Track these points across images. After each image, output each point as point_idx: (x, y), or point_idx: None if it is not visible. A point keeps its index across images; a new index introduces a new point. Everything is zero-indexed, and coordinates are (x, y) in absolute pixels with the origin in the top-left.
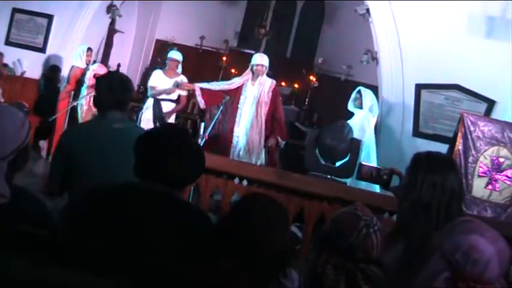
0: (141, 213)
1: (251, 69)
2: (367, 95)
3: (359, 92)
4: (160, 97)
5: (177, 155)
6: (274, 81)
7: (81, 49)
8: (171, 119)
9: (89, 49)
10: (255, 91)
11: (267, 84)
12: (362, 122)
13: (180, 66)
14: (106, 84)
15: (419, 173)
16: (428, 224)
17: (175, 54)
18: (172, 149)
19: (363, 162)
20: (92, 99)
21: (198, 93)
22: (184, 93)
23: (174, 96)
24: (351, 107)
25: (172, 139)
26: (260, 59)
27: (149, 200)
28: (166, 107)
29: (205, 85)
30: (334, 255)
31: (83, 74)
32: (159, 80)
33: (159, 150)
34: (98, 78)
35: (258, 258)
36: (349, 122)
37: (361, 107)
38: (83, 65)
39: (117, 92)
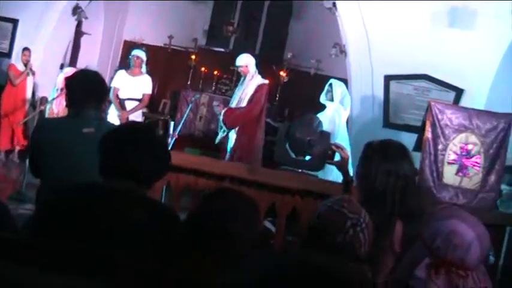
0: (107, 212)
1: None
2: (338, 87)
3: (330, 85)
4: (124, 97)
5: (140, 151)
6: (264, 81)
7: (20, 49)
8: (139, 119)
9: (26, 49)
10: (239, 92)
11: (253, 83)
12: (333, 114)
13: (144, 65)
14: (80, 80)
15: (373, 162)
16: (385, 211)
17: (137, 52)
18: (135, 145)
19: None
20: (60, 102)
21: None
22: (148, 91)
23: (138, 95)
24: (322, 99)
25: (135, 136)
26: (238, 61)
27: (114, 198)
28: (130, 106)
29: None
30: (320, 252)
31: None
32: (122, 80)
33: (122, 147)
34: (70, 76)
35: (229, 251)
36: (320, 114)
37: (332, 100)
38: (18, 65)
39: (91, 87)
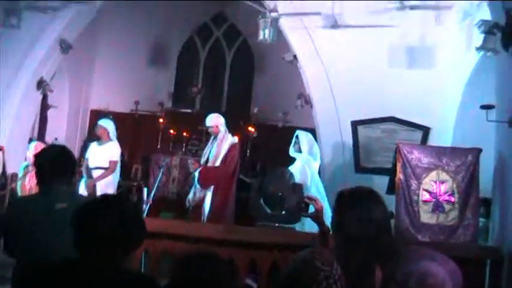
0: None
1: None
2: (304, 138)
3: (297, 136)
4: (92, 166)
5: (114, 222)
6: (234, 140)
7: None
8: (112, 188)
9: None
10: (213, 151)
11: (225, 143)
12: (303, 166)
13: (111, 132)
14: (48, 157)
15: (345, 210)
16: (362, 257)
17: (101, 122)
18: (109, 217)
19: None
20: (31, 178)
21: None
22: (115, 158)
23: (105, 163)
24: (291, 152)
25: (108, 207)
26: (207, 121)
27: (91, 273)
28: (97, 174)
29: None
30: None
31: None
32: (91, 150)
33: (95, 220)
34: (39, 152)
35: None
36: (291, 167)
37: (300, 151)
38: None
39: (60, 162)
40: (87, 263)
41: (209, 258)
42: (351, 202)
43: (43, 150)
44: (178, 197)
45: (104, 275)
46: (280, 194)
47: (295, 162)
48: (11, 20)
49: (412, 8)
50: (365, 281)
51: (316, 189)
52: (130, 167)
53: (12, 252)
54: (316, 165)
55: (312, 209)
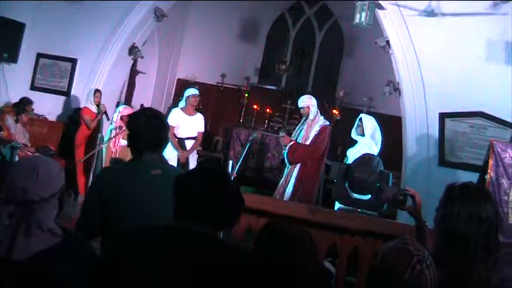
0: (181, 255)
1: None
2: (368, 121)
3: (360, 119)
4: (184, 136)
5: (219, 196)
6: (327, 123)
7: (90, 91)
8: (194, 159)
9: (97, 91)
10: (303, 131)
11: (316, 124)
12: (363, 149)
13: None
14: (143, 122)
15: (455, 205)
16: (467, 256)
17: (195, 91)
18: (213, 190)
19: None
20: (118, 141)
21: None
22: (202, 129)
23: (195, 133)
24: (353, 134)
25: (213, 180)
26: (300, 102)
27: (190, 240)
28: (189, 144)
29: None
30: None
31: (95, 115)
32: (178, 119)
33: (200, 192)
34: (133, 116)
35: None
36: (351, 149)
37: (363, 134)
38: (92, 107)
39: (155, 130)
40: (186, 230)
41: (290, 230)
42: (463, 197)
43: (137, 115)
44: (256, 172)
45: (205, 244)
46: (367, 179)
47: (356, 145)
48: None
49: None
50: (466, 281)
51: None
52: (212, 138)
53: (94, 229)
54: (376, 151)
55: (409, 202)
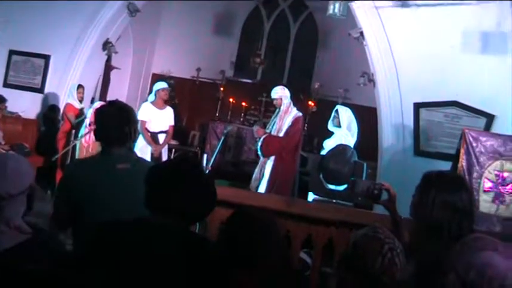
0: (154, 248)
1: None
2: (344, 113)
3: (336, 111)
4: (156, 130)
5: (191, 188)
6: (299, 114)
7: (72, 87)
8: (166, 153)
9: (80, 86)
10: (276, 123)
11: (289, 115)
12: (340, 140)
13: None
14: (108, 115)
15: (430, 192)
16: (440, 243)
17: (163, 84)
18: (186, 182)
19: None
20: (92, 136)
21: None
22: (172, 123)
23: (166, 127)
24: (330, 126)
25: (186, 173)
26: (272, 93)
27: (162, 234)
28: (162, 139)
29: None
30: (358, 280)
31: (79, 112)
32: (149, 113)
33: (173, 183)
34: (99, 109)
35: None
36: (327, 140)
37: (339, 126)
38: (75, 103)
39: (121, 122)
40: (158, 223)
41: (255, 217)
42: (439, 185)
43: (103, 108)
44: (232, 165)
45: (175, 234)
46: (341, 170)
47: (332, 136)
48: None
49: None
50: (439, 268)
51: None
52: (188, 133)
53: (64, 221)
54: (352, 142)
55: (384, 195)
